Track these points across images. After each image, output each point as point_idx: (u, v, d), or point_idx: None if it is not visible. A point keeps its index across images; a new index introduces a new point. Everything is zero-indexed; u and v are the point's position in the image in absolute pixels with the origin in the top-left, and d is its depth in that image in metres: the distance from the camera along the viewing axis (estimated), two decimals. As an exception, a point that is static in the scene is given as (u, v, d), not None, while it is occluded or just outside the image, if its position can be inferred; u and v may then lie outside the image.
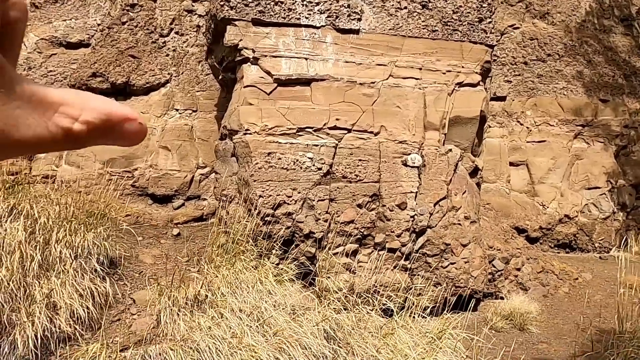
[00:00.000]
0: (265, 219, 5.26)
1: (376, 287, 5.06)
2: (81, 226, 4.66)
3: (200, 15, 7.61)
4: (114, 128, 0.37)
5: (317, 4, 5.73)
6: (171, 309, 4.02)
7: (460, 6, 6.16)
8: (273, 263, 5.04)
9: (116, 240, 5.02)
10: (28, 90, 0.34)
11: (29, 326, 3.59)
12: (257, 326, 3.73)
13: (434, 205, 5.70)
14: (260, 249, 5.11)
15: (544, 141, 8.58)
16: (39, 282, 3.94)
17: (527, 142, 8.64)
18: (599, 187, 8.43)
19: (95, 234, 4.68)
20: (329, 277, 5.00)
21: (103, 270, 4.47)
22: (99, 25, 7.21)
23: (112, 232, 5.02)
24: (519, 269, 6.68)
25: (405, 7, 6.00)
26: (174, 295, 4.17)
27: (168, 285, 4.31)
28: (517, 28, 8.93)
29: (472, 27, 6.19)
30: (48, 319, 3.71)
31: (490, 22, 6.29)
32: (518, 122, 8.74)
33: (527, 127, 8.69)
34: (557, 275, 6.86)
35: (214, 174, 6.91)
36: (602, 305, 5.95)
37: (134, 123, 0.37)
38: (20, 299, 3.76)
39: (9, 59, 0.34)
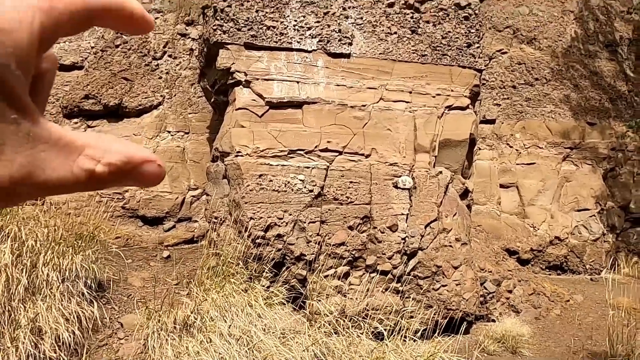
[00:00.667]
0: (256, 241, 5.23)
1: (367, 310, 5.03)
2: (69, 249, 4.60)
3: (193, 39, 7.70)
4: (134, 170, 0.38)
5: (309, 28, 5.83)
6: (159, 334, 3.96)
7: (449, 31, 6.29)
8: (263, 286, 5.00)
9: (105, 263, 4.97)
10: (54, 134, 0.35)
11: (12, 352, 3.51)
12: (246, 351, 3.68)
13: (425, 227, 5.71)
14: (251, 271, 5.07)
15: (533, 163, 8.67)
16: (25, 306, 3.87)
17: (517, 164, 8.73)
18: (588, 209, 8.50)
19: (84, 257, 4.62)
20: (319, 300, 4.96)
21: (90, 294, 4.40)
22: (92, 48, 7.27)
23: (101, 255, 4.97)
24: (510, 291, 6.67)
25: (395, 32, 6.12)
26: (162, 319, 4.12)
27: (157, 309, 4.25)
28: (505, 53, 9.12)
29: (460, 52, 6.31)
30: (32, 344, 3.63)
31: (478, 47, 6.42)
32: (507, 144, 8.85)
33: (517, 150, 8.79)
34: (548, 297, 6.85)
35: (205, 195, 6.90)
36: (593, 327, 5.94)
37: (153, 165, 0.39)
38: (5, 323, 3.69)
39: (37, 104, 0.36)
